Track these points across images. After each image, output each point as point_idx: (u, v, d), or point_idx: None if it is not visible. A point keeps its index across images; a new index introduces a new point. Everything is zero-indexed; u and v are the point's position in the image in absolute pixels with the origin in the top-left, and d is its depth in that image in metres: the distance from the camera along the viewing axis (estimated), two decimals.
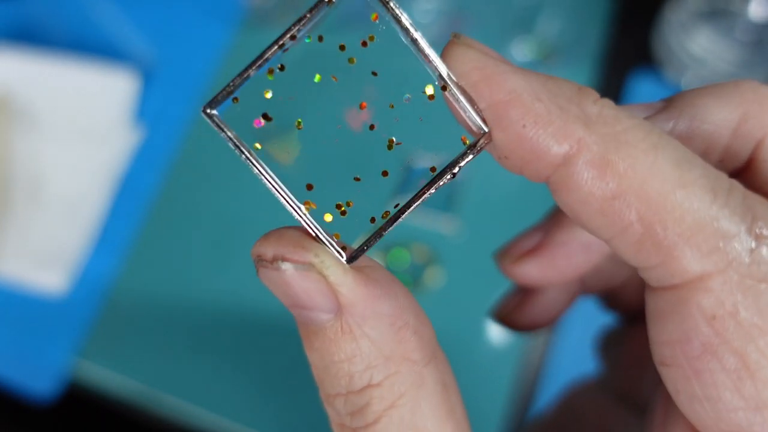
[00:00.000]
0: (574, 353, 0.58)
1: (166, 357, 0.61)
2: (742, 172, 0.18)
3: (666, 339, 0.15)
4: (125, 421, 0.61)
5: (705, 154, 0.17)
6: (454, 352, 0.58)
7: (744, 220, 0.14)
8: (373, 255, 0.61)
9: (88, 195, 0.65)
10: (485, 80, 0.15)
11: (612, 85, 0.68)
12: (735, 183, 0.15)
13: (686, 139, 0.17)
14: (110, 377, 0.60)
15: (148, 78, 0.71)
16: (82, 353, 0.61)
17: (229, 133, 0.15)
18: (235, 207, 0.65)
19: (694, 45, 0.63)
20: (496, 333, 0.58)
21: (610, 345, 0.28)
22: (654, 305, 0.16)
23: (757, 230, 0.14)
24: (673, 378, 0.15)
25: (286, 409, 0.59)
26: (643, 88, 0.67)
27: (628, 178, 0.14)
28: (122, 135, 0.68)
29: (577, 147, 0.15)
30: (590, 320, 0.58)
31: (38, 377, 0.60)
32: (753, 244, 0.14)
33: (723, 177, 0.15)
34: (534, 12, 0.67)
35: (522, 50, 0.67)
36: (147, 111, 0.69)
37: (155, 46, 0.73)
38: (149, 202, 0.66)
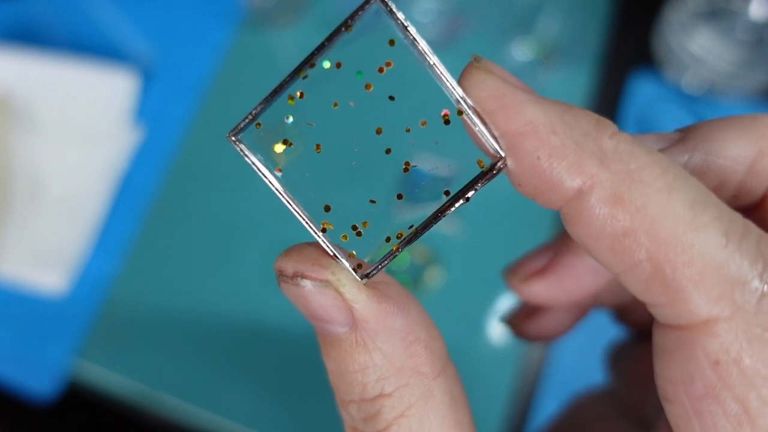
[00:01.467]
0: (575, 355, 0.58)
1: (165, 357, 0.61)
2: (756, 209, 0.18)
3: (669, 376, 0.16)
4: (125, 421, 0.61)
5: (719, 189, 0.17)
6: (454, 353, 0.58)
7: (755, 267, 0.14)
8: None
9: (88, 195, 0.65)
10: (502, 109, 0.15)
11: (612, 85, 0.68)
12: (750, 226, 0.15)
13: (700, 173, 0.17)
14: (110, 377, 0.60)
15: (148, 78, 0.71)
16: (82, 353, 0.61)
17: (253, 158, 0.16)
18: (235, 207, 0.64)
19: (694, 45, 0.63)
20: (497, 334, 0.58)
21: (619, 358, 0.28)
22: (660, 341, 0.16)
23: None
24: (675, 414, 0.16)
25: (285, 409, 0.59)
26: (643, 88, 0.67)
27: (639, 218, 0.15)
28: (122, 135, 0.68)
29: (590, 183, 0.15)
30: (591, 323, 0.58)
31: (38, 377, 0.60)
32: (763, 292, 0.14)
33: (738, 219, 0.15)
34: (534, 12, 0.67)
35: (522, 50, 0.67)
36: (147, 111, 0.69)
37: (155, 46, 0.73)
38: (149, 202, 0.66)
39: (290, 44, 0.71)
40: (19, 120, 0.68)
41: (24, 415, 0.61)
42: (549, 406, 0.56)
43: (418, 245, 0.61)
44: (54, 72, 0.69)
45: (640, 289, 0.15)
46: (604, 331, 0.60)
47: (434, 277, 0.60)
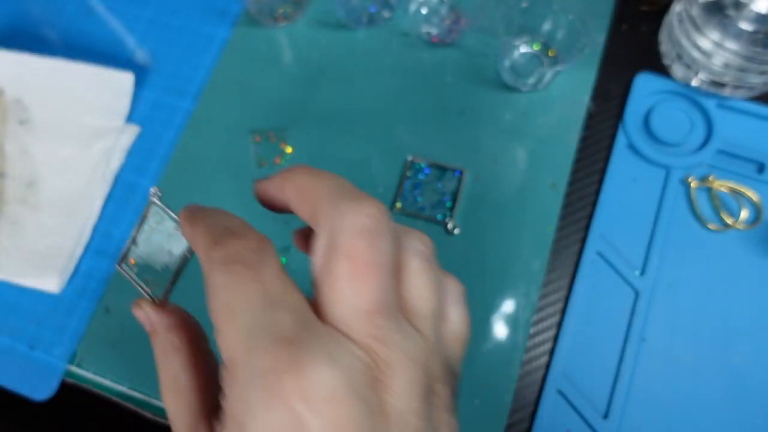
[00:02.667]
0: (574, 353, 0.57)
1: None
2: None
3: None
4: (121, 425, 0.60)
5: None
6: None
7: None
8: None
9: (83, 196, 0.65)
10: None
11: (618, 81, 0.67)
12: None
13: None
14: (105, 381, 0.59)
15: (146, 78, 0.70)
16: (78, 356, 0.60)
17: (132, 277, 0.33)
18: (232, 207, 0.64)
19: (701, 39, 0.61)
20: (497, 334, 0.57)
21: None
22: None
23: None
24: None
25: None
26: (649, 84, 0.66)
27: None
28: (119, 135, 0.67)
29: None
30: (590, 330, 0.56)
31: (33, 381, 0.60)
32: None
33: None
34: (537, 7, 0.66)
35: (524, 47, 0.66)
36: (144, 110, 0.69)
37: (152, 44, 0.72)
38: (145, 203, 0.65)
39: (287, 40, 0.71)
40: (15, 119, 0.68)
41: (19, 417, 0.61)
42: (549, 404, 0.55)
43: None
44: (51, 71, 0.69)
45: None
46: (605, 333, 0.59)
47: None
